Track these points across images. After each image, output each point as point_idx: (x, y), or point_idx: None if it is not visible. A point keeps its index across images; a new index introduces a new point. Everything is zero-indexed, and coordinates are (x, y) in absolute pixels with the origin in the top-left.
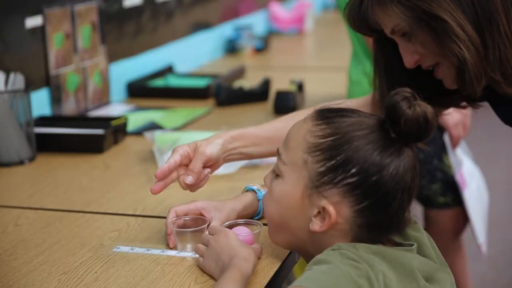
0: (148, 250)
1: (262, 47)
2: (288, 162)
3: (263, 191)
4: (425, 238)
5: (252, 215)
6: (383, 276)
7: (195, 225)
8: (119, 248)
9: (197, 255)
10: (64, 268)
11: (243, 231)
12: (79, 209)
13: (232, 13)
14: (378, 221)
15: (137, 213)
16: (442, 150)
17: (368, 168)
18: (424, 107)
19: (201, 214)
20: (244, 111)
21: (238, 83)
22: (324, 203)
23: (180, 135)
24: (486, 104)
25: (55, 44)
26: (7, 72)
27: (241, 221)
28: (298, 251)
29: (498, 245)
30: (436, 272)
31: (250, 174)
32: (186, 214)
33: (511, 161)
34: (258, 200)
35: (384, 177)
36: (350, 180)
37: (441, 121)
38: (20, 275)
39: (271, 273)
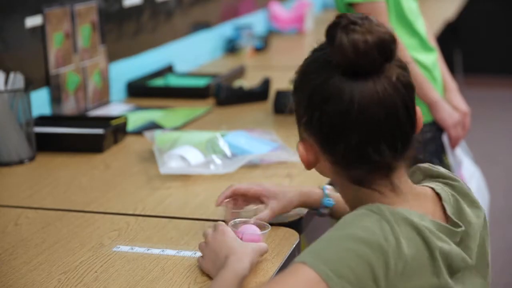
0: (148, 249)
1: (262, 46)
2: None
3: (331, 201)
4: (480, 230)
5: (314, 208)
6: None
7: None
8: (119, 247)
9: (197, 255)
10: (64, 268)
11: (251, 229)
12: (79, 209)
13: (232, 13)
14: (343, 157)
15: (137, 212)
16: (442, 150)
17: (312, 102)
18: (361, 34)
19: (260, 198)
20: (244, 110)
21: (238, 83)
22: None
23: (180, 134)
24: (485, 104)
25: (55, 43)
26: (7, 72)
27: (251, 220)
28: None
29: (497, 245)
30: (464, 270)
31: (249, 173)
32: (245, 193)
33: (510, 161)
34: (321, 204)
35: (328, 109)
36: (304, 120)
37: (440, 121)
38: (20, 275)
39: (271, 273)
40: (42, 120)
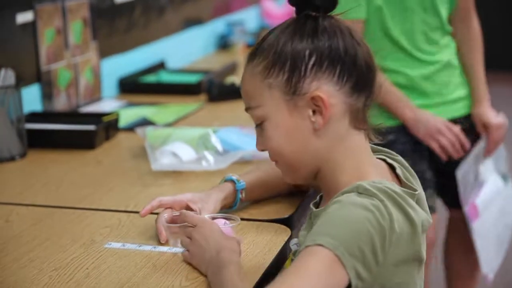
0: (140, 246)
1: (254, 43)
2: (259, 103)
3: (242, 182)
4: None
5: (230, 206)
6: (390, 215)
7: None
8: (111, 244)
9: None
10: (55, 265)
11: (220, 224)
12: (70, 205)
13: (224, 9)
14: (359, 77)
15: (128, 209)
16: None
17: (318, 43)
18: None
19: (188, 207)
20: (236, 107)
21: (230, 79)
22: (310, 94)
23: (171, 131)
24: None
25: (46, 39)
26: None
27: (220, 215)
28: (319, 181)
29: None
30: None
31: (242, 169)
32: (171, 206)
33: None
34: (236, 190)
35: (334, 41)
36: (312, 62)
37: (483, 119)
38: (10, 272)
39: (262, 270)
40: (34, 117)
